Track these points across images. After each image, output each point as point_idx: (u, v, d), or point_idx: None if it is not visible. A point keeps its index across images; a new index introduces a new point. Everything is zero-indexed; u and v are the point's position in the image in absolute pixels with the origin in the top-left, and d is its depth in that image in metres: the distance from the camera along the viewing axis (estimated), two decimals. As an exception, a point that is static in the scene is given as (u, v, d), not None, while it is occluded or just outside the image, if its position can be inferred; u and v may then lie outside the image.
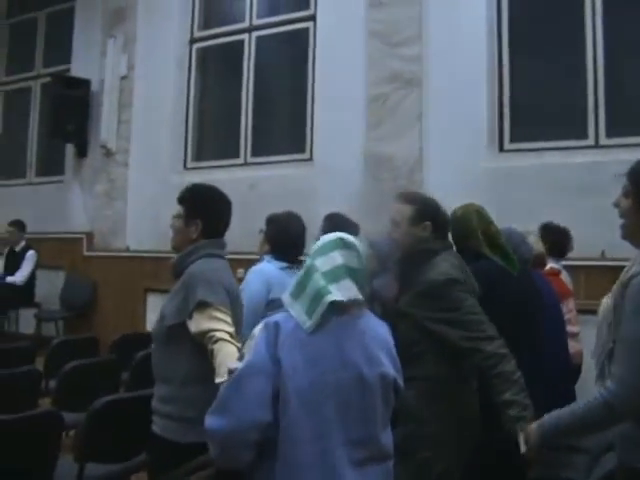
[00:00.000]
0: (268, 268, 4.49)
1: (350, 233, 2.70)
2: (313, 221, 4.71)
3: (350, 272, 2.56)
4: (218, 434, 2.38)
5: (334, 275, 2.54)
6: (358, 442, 2.47)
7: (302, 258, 4.40)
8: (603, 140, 6.76)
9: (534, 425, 2.72)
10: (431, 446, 3.20)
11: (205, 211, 3.61)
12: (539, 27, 7.37)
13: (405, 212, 3.48)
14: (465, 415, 3.28)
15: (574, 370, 5.06)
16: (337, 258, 2.56)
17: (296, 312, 2.50)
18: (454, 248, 3.63)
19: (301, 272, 2.59)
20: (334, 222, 4.50)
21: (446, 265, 3.33)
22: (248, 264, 4.79)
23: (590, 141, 6.81)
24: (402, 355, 2.78)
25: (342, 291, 2.53)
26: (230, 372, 2.53)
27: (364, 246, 2.65)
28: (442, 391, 3.27)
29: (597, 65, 6.86)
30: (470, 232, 3.84)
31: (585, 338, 5.18)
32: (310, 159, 8.15)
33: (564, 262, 5.67)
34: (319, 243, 2.61)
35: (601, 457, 3.42)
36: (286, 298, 2.57)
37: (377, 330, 2.63)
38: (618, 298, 2.53)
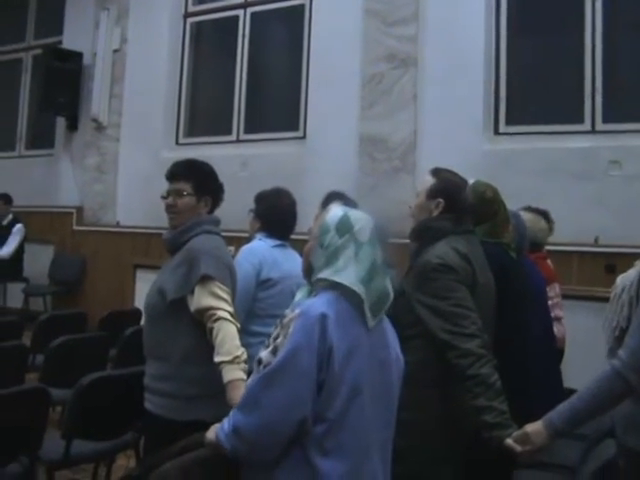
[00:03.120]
0: (260, 247, 4.44)
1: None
2: (305, 200, 4.66)
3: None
4: (248, 433, 2.30)
5: (385, 270, 2.50)
6: (384, 424, 2.50)
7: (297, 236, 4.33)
8: (599, 125, 6.73)
9: (540, 424, 2.66)
10: (410, 435, 3.07)
11: (214, 187, 3.58)
12: (537, 10, 7.33)
13: (426, 183, 3.38)
14: (453, 405, 3.12)
15: (559, 354, 5.07)
16: (379, 250, 2.51)
17: (366, 308, 2.41)
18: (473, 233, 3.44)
19: (366, 258, 2.45)
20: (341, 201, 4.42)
21: (446, 249, 3.17)
22: (239, 242, 4.75)
23: (586, 126, 6.77)
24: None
25: (390, 286, 2.52)
26: (261, 364, 2.47)
27: None
28: (428, 379, 3.14)
29: (595, 50, 6.82)
30: (492, 215, 3.67)
31: (576, 323, 5.17)
32: (303, 137, 8.10)
33: (556, 247, 5.62)
34: (366, 228, 2.49)
35: (598, 444, 3.40)
36: (360, 288, 2.40)
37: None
38: None
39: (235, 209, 4.80)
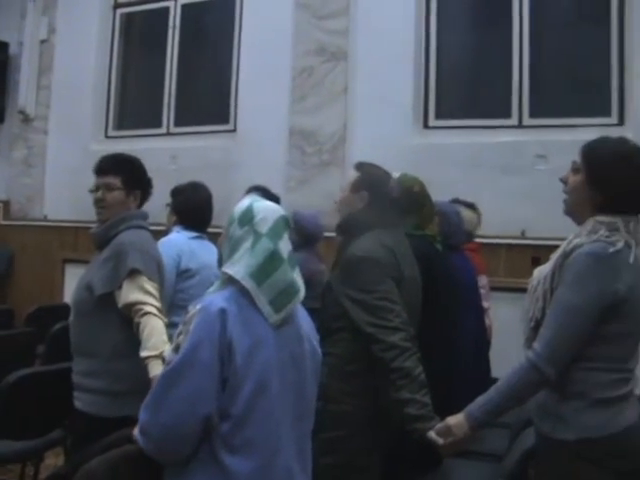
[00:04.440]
0: (177, 238, 4.47)
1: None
2: (235, 193, 4.67)
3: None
4: (153, 430, 2.28)
5: (293, 262, 2.48)
6: (298, 418, 2.48)
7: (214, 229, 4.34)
8: (526, 120, 6.84)
9: (461, 416, 2.70)
10: (340, 426, 3.15)
11: (143, 182, 3.57)
12: (467, 5, 7.44)
13: (351, 178, 3.43)
14: (381, 397, 3.15)
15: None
16: (288, 241, 2.49)
17: (261, 302, 2.36)
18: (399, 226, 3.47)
19: (261, 250, 2.41)
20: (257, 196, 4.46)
21: (371, 242, 3.21)
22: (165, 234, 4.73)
23: (514, 121, 6.88)
24: (322, 329, 2.76)
25: (299, 279, 2.50)
26: (164, 361, 2.44)
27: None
28: (355, 371, 3.18)
29: (523, 45, 6.92)
30: (418, 208, 3.73)
31: (504, 314, 5.27)
32: (234, 130, 8.03)
33: (484, 239, 5.71)
34: (268, 219, 2.46)
35: (522, 432, 3.47)
36: (248, 282, 2.36)
37: (301, 307, 2.61)
38: (557, 267, 2.60)
39: (165, 203, 4.79)
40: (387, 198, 3.40)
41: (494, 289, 5.52)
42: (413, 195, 3.67)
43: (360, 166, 3.49)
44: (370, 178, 3.39)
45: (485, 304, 5.27)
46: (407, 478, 3.50)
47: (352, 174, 3.44)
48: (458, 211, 4.48)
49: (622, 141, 2.67)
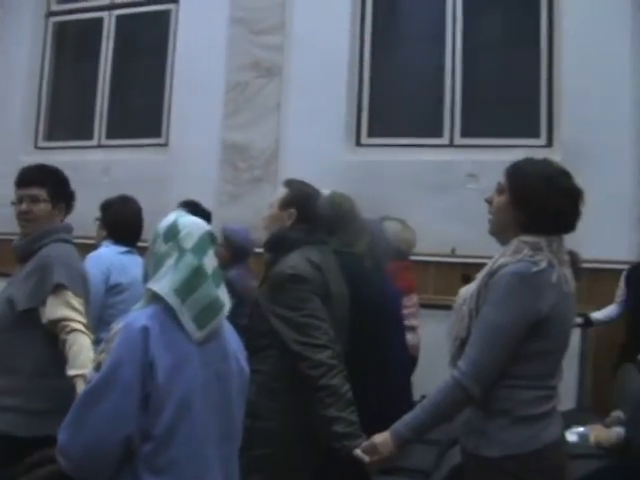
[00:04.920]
0: (106, 253, 4.40)
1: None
2: (167, 208, 4.59)
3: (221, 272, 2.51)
4: (72, 451, 2.21)
5: (217, 278, 2.44)
6: (224, 438, 2.45)
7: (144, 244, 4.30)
8: (458, 140, 6.95)
9: (387, 434, 2.70)
10: (269, 443, 3.13)
11: (68, 194, 3.51)
12: (401, 24, 7.52)
13: (279, 194, 3.43)
14: (308, 414, 3.11)
15: (412, 362, 5.19)
16: (213, 257, 2.45)
17: (185, 319, 2.32)
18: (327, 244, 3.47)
19: (185, 266, 2.36)
20: (188, 211, 4.42)
21: (299, 260, 3.20)
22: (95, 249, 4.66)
23: (445, 140, 6.98)
24: (250, 346, 2.74)
25: (224, 295, 2.46)
26: (85, 380, 2.39)
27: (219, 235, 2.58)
28: (283, 388, 3.16)
29: (455, 65, 7.04)
30: (347, 225, 3.70)
31: (433, 331, 5.30)
32: (166, 144, 7.99)
33: (415, 257, 5.74)
34: (193, 234, 2.42)
35: (450, 449, 3.49)
36: (172, 298, 2.32)
37: (228, 324, 2.58)
38: (482, 286, 2.63)
39: (94, 216, 4.73)
40: (315, 215, 3.40)
41: (424, 306, 5.55)
42: (343, 213, 3.67)
43: (289, 183, 3.49)
44: (299, 195, 3.39)
45: (414, 322, 5.30)
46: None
47: (281, 191, 3.44)
48: (383, 230, 4.49)
49: (546, 162, 2.73)
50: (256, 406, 3.00)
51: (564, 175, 2.67)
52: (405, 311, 5.12)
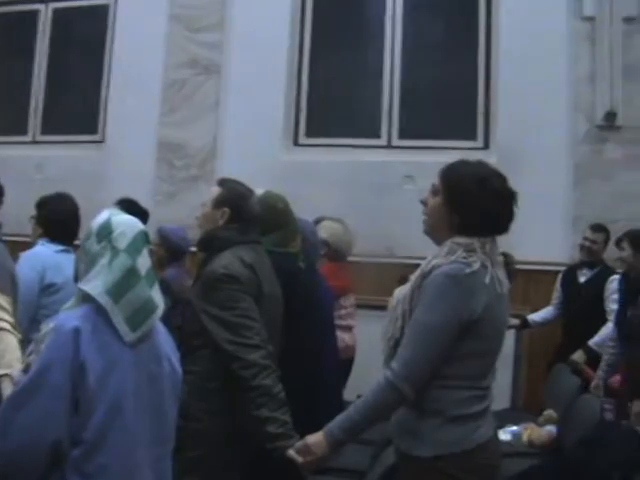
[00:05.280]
0: (42, 252, 4.30)
1: (140, 220, 2.56)
2: (103, 206, 4.52)
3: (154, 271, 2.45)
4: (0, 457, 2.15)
5: (151, 279, 2.38)
6: (156, 441, 2.40)
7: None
8: (395, 141, 6.99)
9: (320, 434, 2.68)
10: (201, 444, 3.10)
11: None
12: (341, 25, 7.52)
13: (212, 193, 3.39)
14: (241, 414, 3.08)
15: (348, 362, 5.21)
16: (147, 257, 2.39)
17: (117, 320, 2.26)
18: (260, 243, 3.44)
19: (119, 267, 2.30)
20: (125, 209, 4.36)
21: (231, 259, 3.17)
22: (31, 246, 4.58)
23: (383, 141, 7.02)
24: (183, 347, 2.71)
25: (157, 296, 2.41)
26: (12, 381, 2.32)
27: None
28: (215, 389, 3.12)
29: (394, 67, 7.10)
30: (281, 225, 3.69)
31: (370, 332, 5.30)
32: (102, 141, 7.89)
33: (353, 257, 5.74)
34: (127, 234, 2.36)
35: (385, 449, 3.49)
36: (105, 299, 2.26)
37: (161, 325, 2.54)
38: (415, 287, 2.62)
39: (30, 212, 4.63)
40: (249, 215, 3.37)
41: (361, 307, 5.55)
42: (276, 212, 3.66)
43: (222, 182, 3.47)
44: (232, 194, 3.36)
45: (351, 322, 5.31)
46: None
47: (214, 190, 3.42)
48: (314, 230, 4.48)
49: (480, 164, 2.73)
50: (188, 407, 2.96)
51: (498, 177, 2.68)
52: (342, 311, 5.15)
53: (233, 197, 3.35)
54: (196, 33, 7.48)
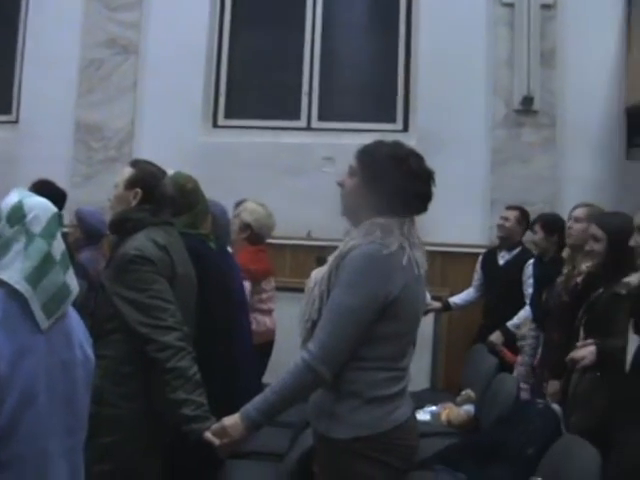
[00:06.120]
0: None
1: (58, 202, 2.48)
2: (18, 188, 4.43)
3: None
4: None
5: (65, 263, 2.29)
6: (69, 431, 2.32)
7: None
8: (315, 123, 6.99)
9: (237, 416, 2.65)
10: (116, 430, 3.03)
11: None
12: (261, 6, 7.48)
13: (124, 174, 3.32)
14: (157, 399, 3.04)
15: (269, 345, 5.24)
16: (61, 241, 2.30)
17: (35, 307, 2.16)
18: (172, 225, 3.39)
19: (36, 252, 2.20)
20: (42, 190, 4.25)
21: (144, 241, 3.11)
22: None
23: (302, 123, 7.02)
24: (95, 331, 2.65)
25: (72, 281, 2.31)
26: None
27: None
28: (130, 373, 3.07)
29: (314, 49, 7.11)
30: (192, 206, 3.66)
31: (288, 314, 5.30)
32: (16, 121, 7.66)
33: (271, 240, 5.71)
34: (41, 218, 2.25)
35: (303, 431, 3.49)
36: (24, 286, 2.15)
37: (73, 310, 2.47)
38: (333, 268, 2.61)
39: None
40: (162, 196, 3.32)
41: (280, 289, 5.54)
42: (186, 193, 3.62)
43: (135, 163, 3.42)
44: (144, 175, 3.31)
45: (271, 306, 5.30)
46: (188, 480, 3.45)
47: (126, 170, 3.36)
48: (225, 211, 4.46)
49: (396, 144, 2.73)
50: (102, 392, 2.91)
51: (415, 156, 2.68)
52: (264, 295, 5.17)
53: (145, 178, 3.29)
54: (114, 12, 7.31)
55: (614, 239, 3.75)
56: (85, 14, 7.37)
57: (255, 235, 5.15)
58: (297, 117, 7.06)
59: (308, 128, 7.01)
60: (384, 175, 2.61)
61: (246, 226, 5.10)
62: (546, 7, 6.69)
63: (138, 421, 3.08)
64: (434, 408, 5.05)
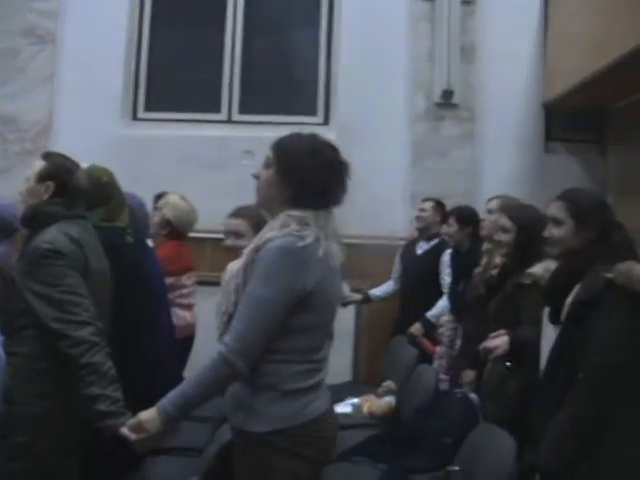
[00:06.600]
0: None
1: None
2: None
3: None
4: None
5: None
6: None
7: None
8: (235, 116, 6.98)
9: (153, 410, 2.61)
10: (30, 429, 2.98)
11: None
12: (183, -2, 7.41)
13: (36, 167, 3.26)
14: (72, 396, 2.96)
15: (189, 340, 5.22)
16: None
17: None
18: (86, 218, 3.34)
19: None
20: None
21: (56, 235, 3.05)
22: None
23: (223, 116, 7.00)
24: (6, 328, 2.60)
25: None
26: None
27: None
28: (44, 370, 3.01)
29: (235, 42, 7.11)
30: (107, 199, 3.61)
31: (207, 308, 5.28)
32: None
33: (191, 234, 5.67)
34: None
35: (222, 425, 3.47)
36: None
37: None
38: (249, 261, 2.60)
39: None
40: (75, 189, 3.27)
41: (200, 283, 5.50)
42: (101, 186, 3.58)
43: (47, 156, 3.37)
44: (56, 168, 3.26)
45: (191, 300, 5.27)
46: (108, 478, 3.40)
47: (38, 163, 3.30)
48: (143, 203, 4.41)
49: (311, 136, 2.73)
50: (14, 391, 2.87)
51: (329, 148, 2.69)
52: (184, 290, 5.15)
53: (58, 170, 3.24)
54: (31, 0, 7.15)
55: (523, 230, 3.84)
56: (1, 1, 7.20)
57: (176, 231, 5.13)
58: (218, 110, 7.03)
59: (229, 121, 6.99)
60: (299, 166, 2.61)
61: (167, 222, 5.07)
62: (466, 3, 6.84)
63: (54, 419, 3.03)
64: (356, 400, 5.08)
